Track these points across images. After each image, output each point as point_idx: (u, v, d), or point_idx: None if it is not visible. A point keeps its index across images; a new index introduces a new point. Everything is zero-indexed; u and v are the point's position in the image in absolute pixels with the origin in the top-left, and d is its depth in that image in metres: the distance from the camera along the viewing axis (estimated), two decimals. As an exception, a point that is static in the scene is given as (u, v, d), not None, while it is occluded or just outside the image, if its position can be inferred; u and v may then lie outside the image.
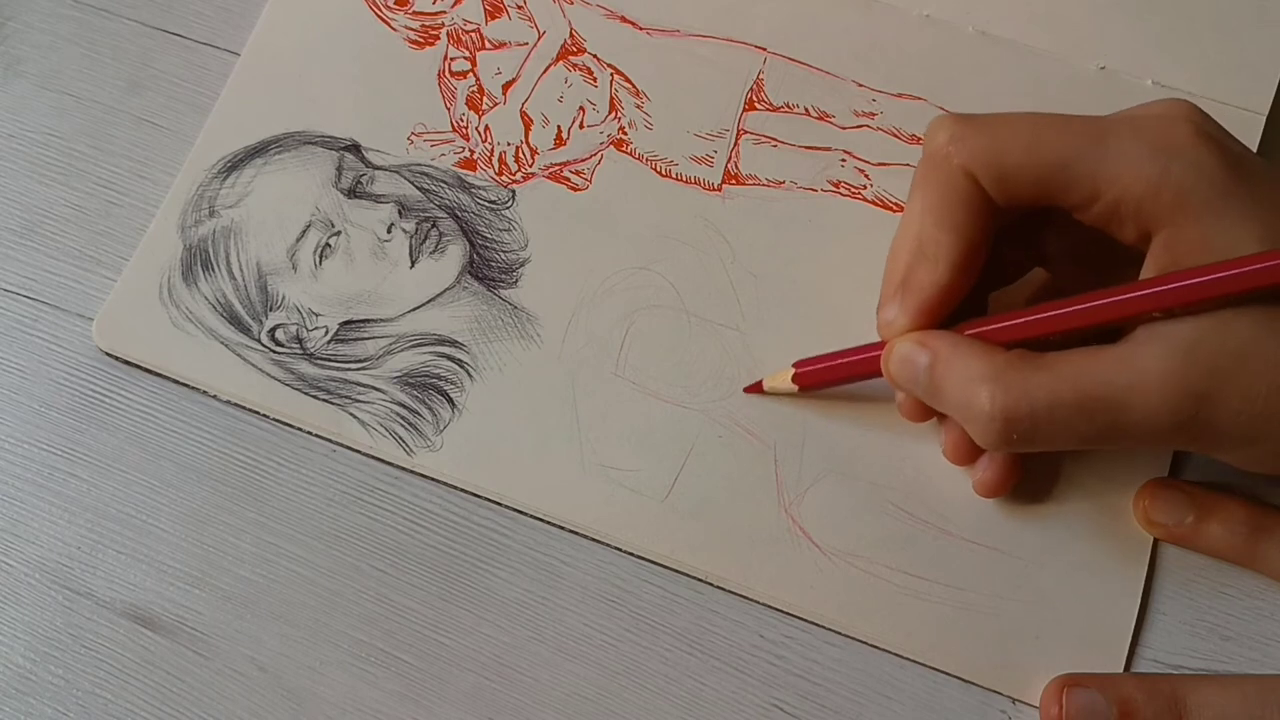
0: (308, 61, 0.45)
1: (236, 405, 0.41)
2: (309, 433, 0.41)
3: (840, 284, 0.42)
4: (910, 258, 0.36)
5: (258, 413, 0.41)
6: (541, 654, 0.39)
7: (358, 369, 0.42)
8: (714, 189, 0.44)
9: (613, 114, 0.45)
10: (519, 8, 0.46)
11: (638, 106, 0.45)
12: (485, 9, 0.46)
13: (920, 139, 0.43)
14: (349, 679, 0.39)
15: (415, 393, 0.41)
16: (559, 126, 0.45)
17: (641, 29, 0.46)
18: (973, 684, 0.38)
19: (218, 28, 0.46)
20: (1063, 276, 0.40)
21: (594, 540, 0.40)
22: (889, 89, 0.44)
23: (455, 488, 0.41)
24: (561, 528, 0.40)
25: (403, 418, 0.41)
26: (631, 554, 0.40)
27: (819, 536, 0.39)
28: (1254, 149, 0.42)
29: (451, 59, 0.46)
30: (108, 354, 0.42)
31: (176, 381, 0.42)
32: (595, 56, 0.45)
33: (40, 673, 0.39)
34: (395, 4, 0.46)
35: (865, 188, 0.43)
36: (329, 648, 0.39)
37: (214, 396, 0.42)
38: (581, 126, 0.45)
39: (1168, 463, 0.40)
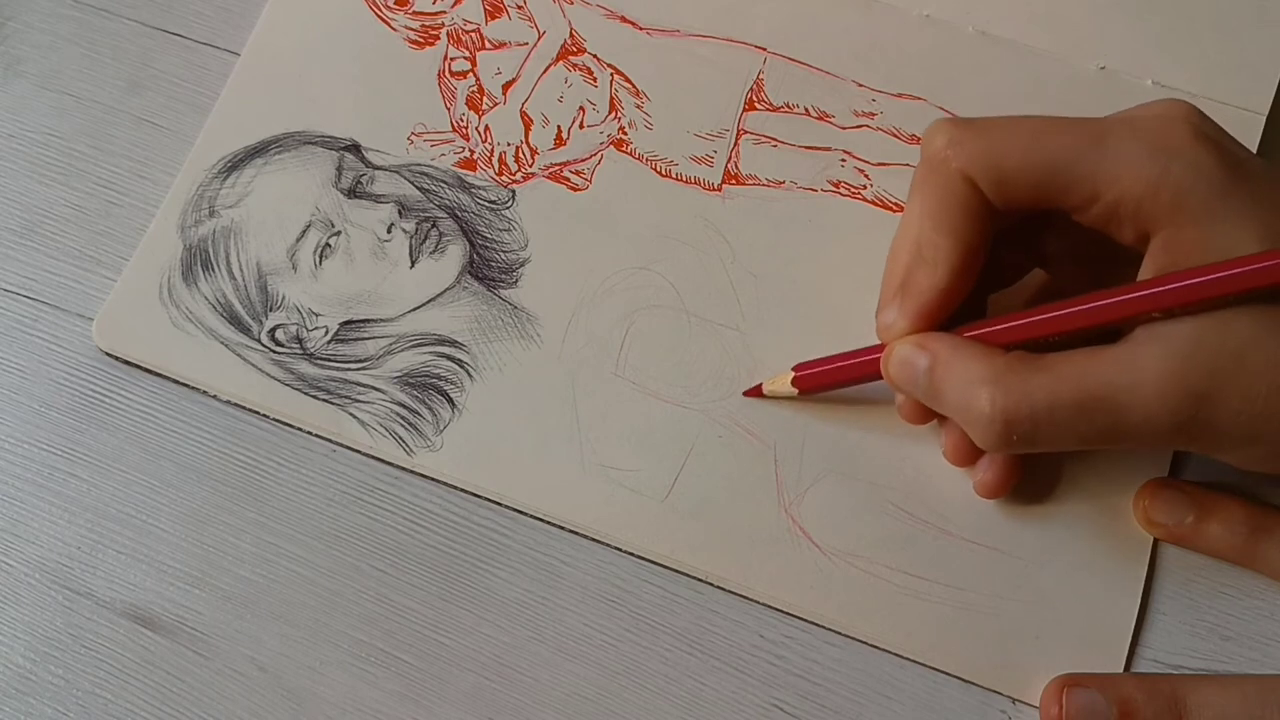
0: (308, 61, 0.45)
1: (236, 405, 0.41)
2: (309, 433, 0.41)
3: (840, 284, 0.42)
4: (909, 261, 0.36)
5: (258, 413, 0.41)
6: (541, 654, 0.39)
7: (358, 369, 0.42)
8: (714, 189, 0.44)
9: (613, 114, 0.45)
10: (519, 8, 0.46)
11: (638, 106, 0.45)
12: (485, 9, 0.46)
13: (920, 139, 0.43)
14: (349, 679, 0.39)
15: (415, 393, 0.41)
16: (559, 126, 0.45)
17: (641, 29, 0.46)
18: (973, 684, 0.38)
19: (218, 28, 0.46)
20: (1062, 278, 0.40)
21: (594, 540, 0.40)
22: (889, 89, 0.44)
23: (455, 488, 0.41)
24: (561, 528, 0.40)
25: (403, 418, 0.41)
26: (631, 554, 0.40)
27: (819, 536, 0.39)
28: (1254, 149, 0.43)
29: (451, 59, 0.46)
30: (108, 354, 0.42)
31: (176, 381, 0.42)
32: (595, 56, 0.45)
33: (40, 673, 0.39)
34: (395, 4, 0.46)
35: (865, 188, 0.43)
36: (329, 648, 0.39)
37: (214, 396, 0.42)
38: (581, 126, 0.45)
39: (1168, 463, 0.40)
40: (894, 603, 0.39)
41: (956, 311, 0.37)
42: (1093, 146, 0.35)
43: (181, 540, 0.40)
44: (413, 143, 0.44)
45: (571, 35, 0.46)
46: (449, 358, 0.42)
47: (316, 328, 0.42)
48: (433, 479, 0.41)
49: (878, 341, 0.38)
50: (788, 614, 0.39)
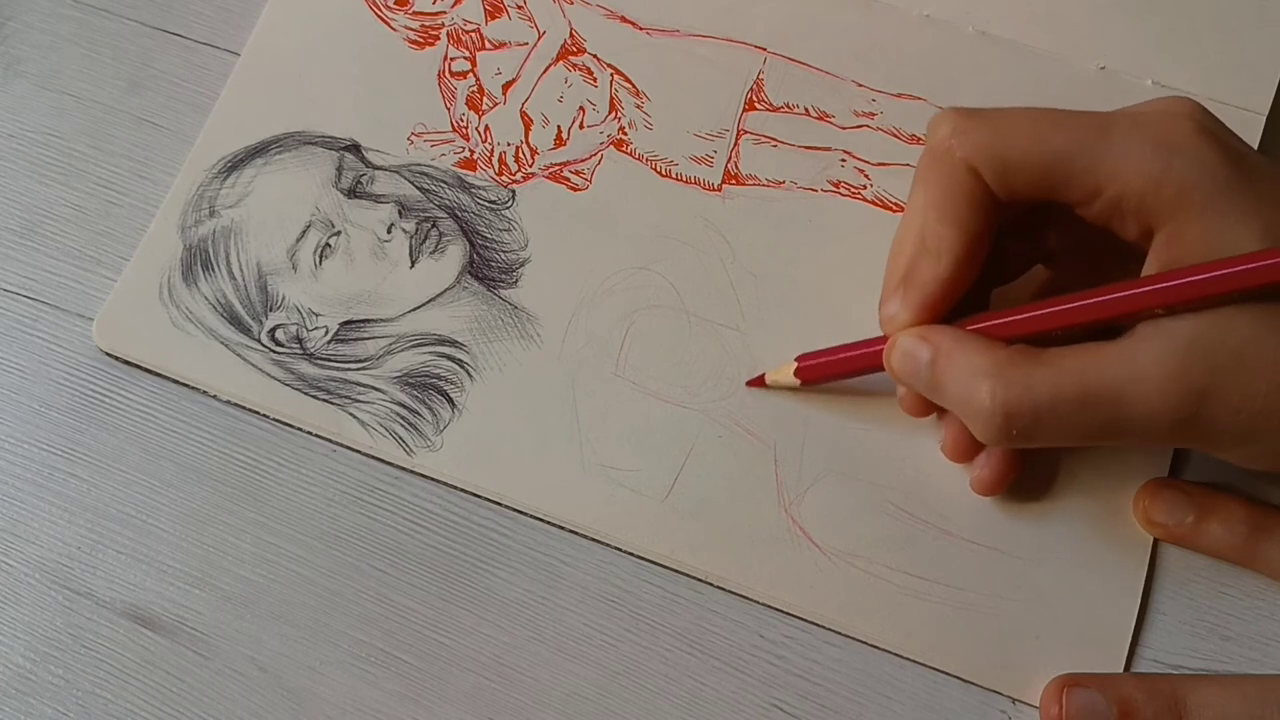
0: (308, 61, 0.45)
1: (236, 405, 0.41)
2: (309, 433, 0.41)
3: (840, 284, 0.42)
4: (913, 252, 0.36)
5: (258, 413, 0.41)
6: (541, 654, 0.39)
7: (358, 369, 0.42)
8: (714, 189, 0.44)
9: (613, 114, 0.45)
10: (519, 8, 0.46)
11: (638, 106, 0.45)
12: (485, 9, 0.46)
13: (920, 139, 0.43)
14: (349, 679, 0.39)
15: (415, 393, 0.41)
16: (559, 126, 0.45)
17: (641, 29, 0.46)
18: (973, 684, 0.38)
19: (218, 28, 0.46)
20: (1065, 273, 0.40)
21: (594, 540, 0.40)
22: (889, 89, 0.44)
23: (455, 488, 0.41)
24: (561, 528, 0.40)
25: (403, 418, 0.41)
26: (631, 554, 0.40)
27: (819, 536, 0.39)
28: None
29: (451, 59, 0.46)
30: (108, 354, 0.42)
31: (176, 381, 0.42)
32: (595, 56, 0.45)
33: (40, 673, 0.39)
34: (395, 4, 0.46)
35: (865, 188, 0.43)
36: (329, 648, 0.39)
37: (214, 396, 0.42)
38: (581, 126, 0.45)
39: (1168, 463, 0.40)
40: (894, 603, 0.39)
41: (960, 305, 0.37)
42: (1097, 140, 0.35)
43: (181, 540, 0.40)
44: (413, 143, 0.44)
45: (571, 35, 0.46)
46: (449, 358, 0.42)
47: (316, 328, 0.42)
48: (433, 479, 0.41)
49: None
50: (788, 614, 0.39)
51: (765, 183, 0.44)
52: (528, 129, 0.45)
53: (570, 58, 0.45)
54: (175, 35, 0.46)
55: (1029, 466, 0.39)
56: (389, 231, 0.43)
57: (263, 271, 0.43)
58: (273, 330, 0.42)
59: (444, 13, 0.46)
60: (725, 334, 0.42)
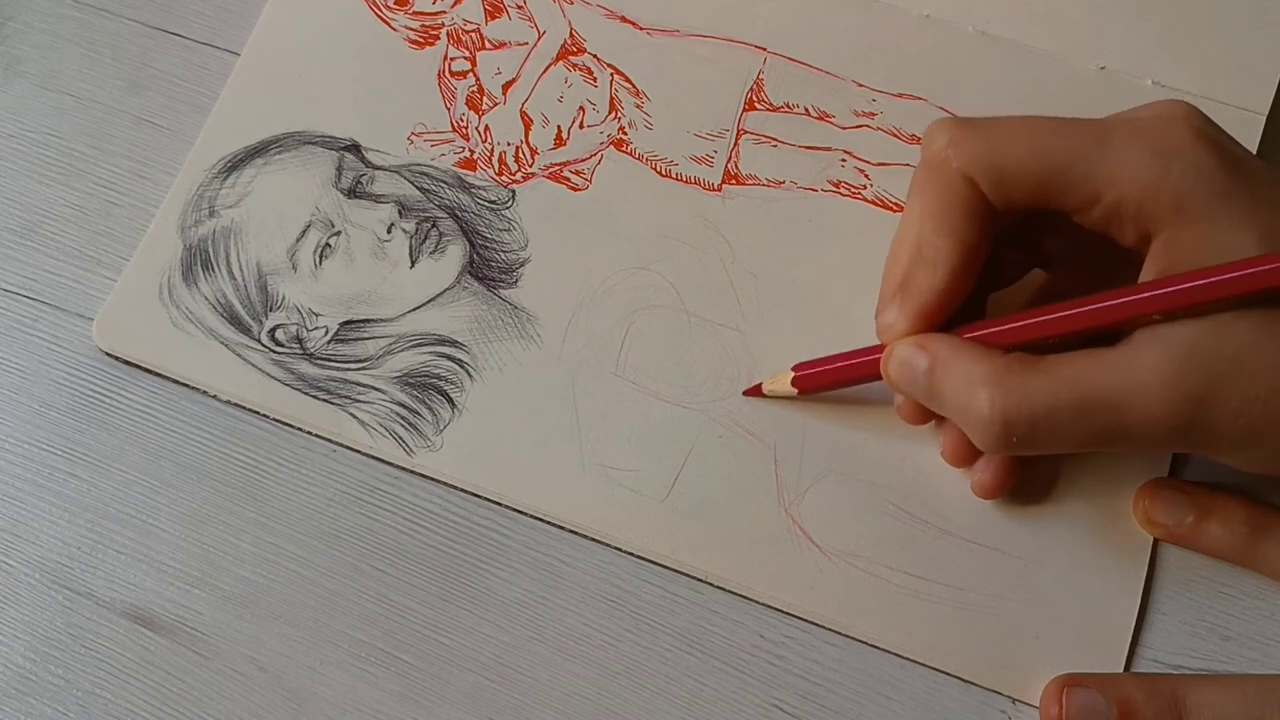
0: (308, 61, 0.45)
1: (236, 405, 0.41)
2: (309, 433, 0.41)
3: (840, 284, 0.42)
4: (909, 261, 0.36)
5: (258, 413, 0.41)
6: (541, 654, 0.39)
7: (358, 369, 0.42)
8: (714, 189, 0.44)
9: (613, 114, 0.45)
10: (519, 8, 0.46)
11: (638, 106, 0.45)
12: (485, 9, 0.46)
13: (920, 139, 0.43)
14: (349, 679, 0.39)
15: (415, 393, 0.41)
16: (559, 126, 0.45)
17: (641, 29, 0.46)
18: (973, 684, 0.38)
19: (218, 28, 0.46)
20: (1062, 278, 0.40)
21: (594, 540, 0.40)
22: (889, 89, 0.44)
23: (455, 488, 0.41)
24: (561, 528, 0.40)
25: (403, 418, 0.41)
26: (631, 554, 0.40)
27: (819, 536, 0.39)
28: (1254, 149, 0.42)
29: (451, 59, 0.46)
30: (108, 354, 0.42)
31: (176, 381, 0.42)
32: (595, 56, 0.45)
33: (40, 673, 0.39)
34: (395, 4, 0.46)
35: (865, 188, 0.43)
36: (329, 648, 0.39)
37: (214, 396, 0.42)
38: (581, 126, 0.45)
39: (1167, 463, 0.40)
40: (894, 603, 0.39)
41: (957, 311, 0.37)
42: (1093, 147, 0.35)
43: (181, 540, 0.40)
44: (413, 143, 0.44)
45: (571, 35, 0.46)
46: (449, 358, 0.42)
47: (316, 328, 0.42)
48: (433, 479, 0.41)
49: (877, 341, 0.38)
50: (788, 614, 0.39)
51: (765, 183, 0.44)
52: (528, 129, 0.45)
53: (570, 58, 0.45)
54: (175, 35, 0.46)
55: (1029, 467, 0.39)
56: (389, 231, 0.43)
57: (263, 271, 0.43)
58: (273, 330, 0.42)
59: (444, 13, 0.46)
60: (725, 334, 0.42)
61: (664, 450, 0.40)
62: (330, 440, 0.41)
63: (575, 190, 0.44)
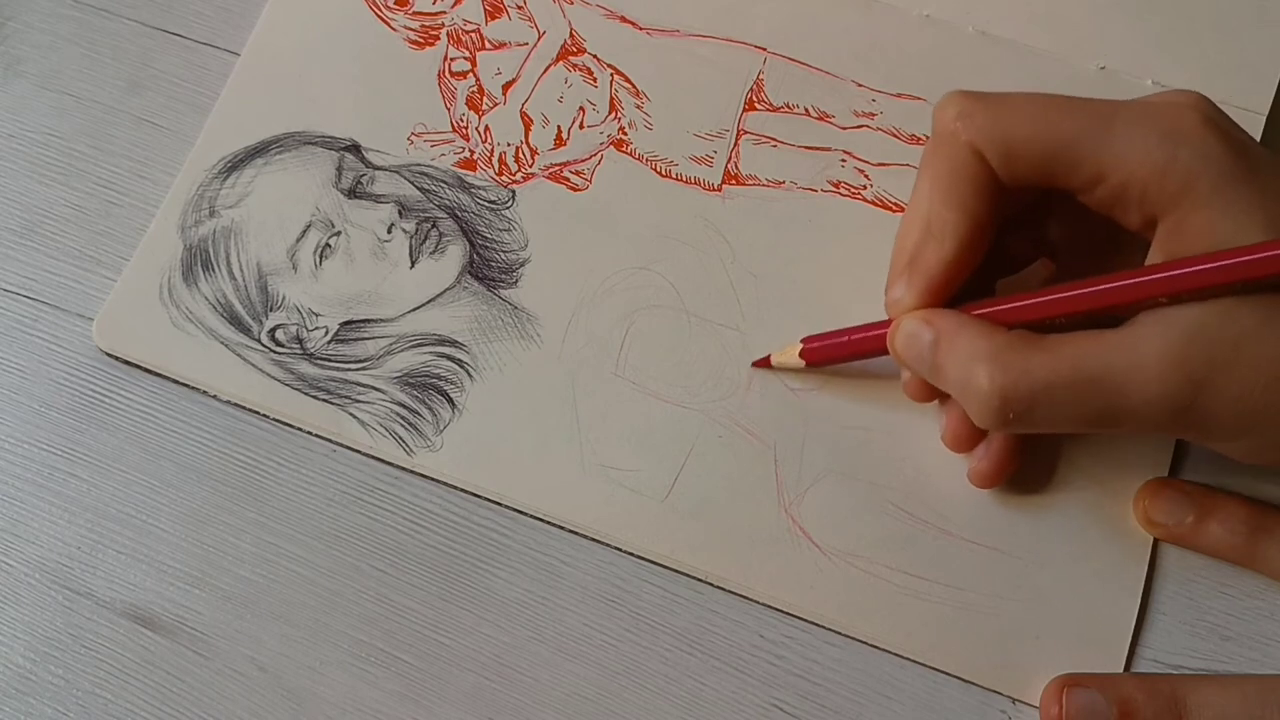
0: (308, 61, 0.45)
1: (236, 405, 0.41)
2: (309, 433, 0.41)
3: (840, 284, 0.42)
4: (918, 237, 0.36)
5: (258, 413, 0.41)
6: (541, 654, 0.39)
7: (358, 369, 0.42)
8: (714, 189, 0.44)
9: (613, 114, 0.45)
10: (519, 8, 0.46)
11: (638, 106, 0.45)
12: (485, 9, 0.46)
13: (920, 139, 0.43)
14: (349, 679, 0.39)
15: (415, 393, 0.41)
16: (559, 127, 0.45)
17: (641, 29, 0.46)
18: (973, 684, 0.38)
19: (218, 28, 0.46)
20: (1067, 265, 0.40)
21: (594, 540, 0.40)
22: (889, 89, 0.44)
23: (455, 488, 0.41)
24: (561, 528, 0.40)
25: (403, 418, 0.41)
26: (631, 554, 0.40)
27: (819, 536, 0.39)
28: (1254, 149, 0.42)
29: (451, 59, 0.46)
30: (108, 354, 0.42)
31: (176, 381, 0.42)
32: (595, 56, 0.45)
33: (40, 673, 0.39)
34: (395, 4, 0.46)
35: (865, 188, 0.43)
36: (329, 648, 0.39)
37: (214, 396, 0.42)
38: (581, 127, 0.45)
39: (1168, 463, 0.40)
40: (894, 603, 0.39)
41: (964, 294, 0.36)
42: (1102, 127, 0.35)
43: (181, 540, 0.40)
44: (413, 143, 0.44)
45: (571, 35, 0.46)
46: (449, 358, 0.42)
47: (316, 328, 0.42)
48: (433, 479, 0.41)
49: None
50: (788, 614, 0.39)
51: (765, 183, 0.44)
52: (528, 129, 0.45)
53: (570, 58, 0.45)
54: (175, 35, 0.46)
55: (1029, 467, 0.39)
56: (389, 231, 0.43)
57: (263, 271, 0.43)
58: (273, 330, 0.42)
59: (444, 13, 0.46)
60: (725, 334, 0.42)
61: (664, 450, 0.40)
62: (330, 440, 0.41)
63: (575, 190, 0.44)
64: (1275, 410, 0.33)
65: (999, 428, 0.36)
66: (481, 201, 0.44)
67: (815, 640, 0.39)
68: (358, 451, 0.41)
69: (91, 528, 0.40)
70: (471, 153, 0.44)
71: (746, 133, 0.44)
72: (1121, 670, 0.38)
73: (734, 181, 0.44)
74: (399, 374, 0.42)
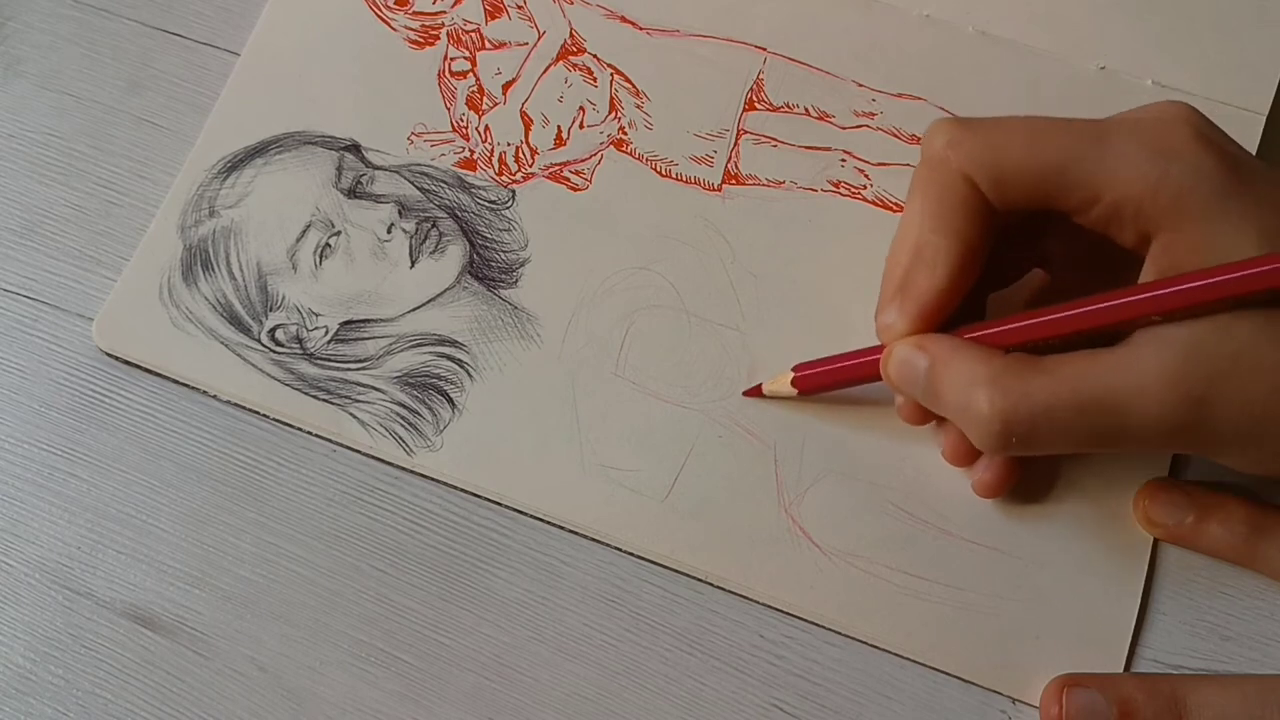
0: (308, 61, 0.45)
1: (236, 405, 0.41)
2: (309, 433, 0.41)
3: (840, 284, 0.42)
4: (909, 261, 0.36)
5: (258, 413, 0.41)
6: (541, 654, 0.39)
7: (358, 369, 0.42)
8: (714, 189, 0.44)
9: (613, 114, 0.45)
10: (519, 8, 0.46)
11: (638, 106, 0.45)
12: (485, 9, 0.46)
13: (920, 139, 0.43)
14: (349, 679, 0.39)
15: (415, 393, 0.41)
16: (559, 126, 0.45)
17: (641, 29, 0.46)
18: (973, 684, 0.38)
19: (218, 28, 0.46)
20: (1062, 279, 0.40)
21: (594, 540, 0.40)
22: (889, 89, 0.44)
23: (455, 488, 0.41)
24: (561, 528, 0.40)
25: (403, 418, 0.41)
26: (631, 554, 0.40)
27: (819, 536, 0.39)
28: (1254, 149, 0.42)
29: (451, 59, 0.46)
30: (108, 354, 0.42)
31: (176, 381, 0.42)
32: (595, 56, 0.45)
33: (40, 673, 0.39)
34: (395, 4, 0.46)
35: (865, 188, 0.43)
36: (329, 648, 0.39)
37: (214, 396, 0.42)
38: (581, 126, 0.45)
39: (1167, 463, 0.40)
40: (894, 603, 0.39)
41: (957, 311, 0.37)
42: (1093, 147, 0.35)
43: (181, 540, 0.40)
44: (413, 143, 0.44)
45: (571, 35, 0.46)
46: (449, 358, 0.42)
47: (316, 328, 0.42)
48: (433, 479, 0.41)
49: (877, 341, 0.38)
50: (788, 614, 0.39)
51: (765, 183, 0.44)
52: (528, 129, 0.45)
53: (570, 58, 0.45)
54: (175, 35, 0.46)
55: (1029, 467, 0.39)
56: (389, 231, 0.43)
57: (263, 271, 0.43)
58: (273, 330, 0.42)
59: (444, 13, 0.46)
60: (725, 334, 0.42)
61: (664, 450, 0.40)
62: (330, 440, 0.41)
63: (575, 190, 0.44)
64: (1276, 422, 0.33)
65: (1001, 452, 0.36)
66: (481, 201, 0.44)
67: (815, 640, 0.39)
68: (358, 451, 0.41)
69: (91, 528, 0.40)
70: (471, 153, 0.44)
71: (746, 133, 0.44)
72: (1121, 670, 0.38)
73: (734, 181, 0.44)
74: (399, 374, 0.42)
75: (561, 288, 0.42)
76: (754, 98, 0.45)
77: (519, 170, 0.44)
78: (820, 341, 0.40)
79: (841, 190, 0.43)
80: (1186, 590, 0.39)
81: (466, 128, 0.45)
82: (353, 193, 0.44)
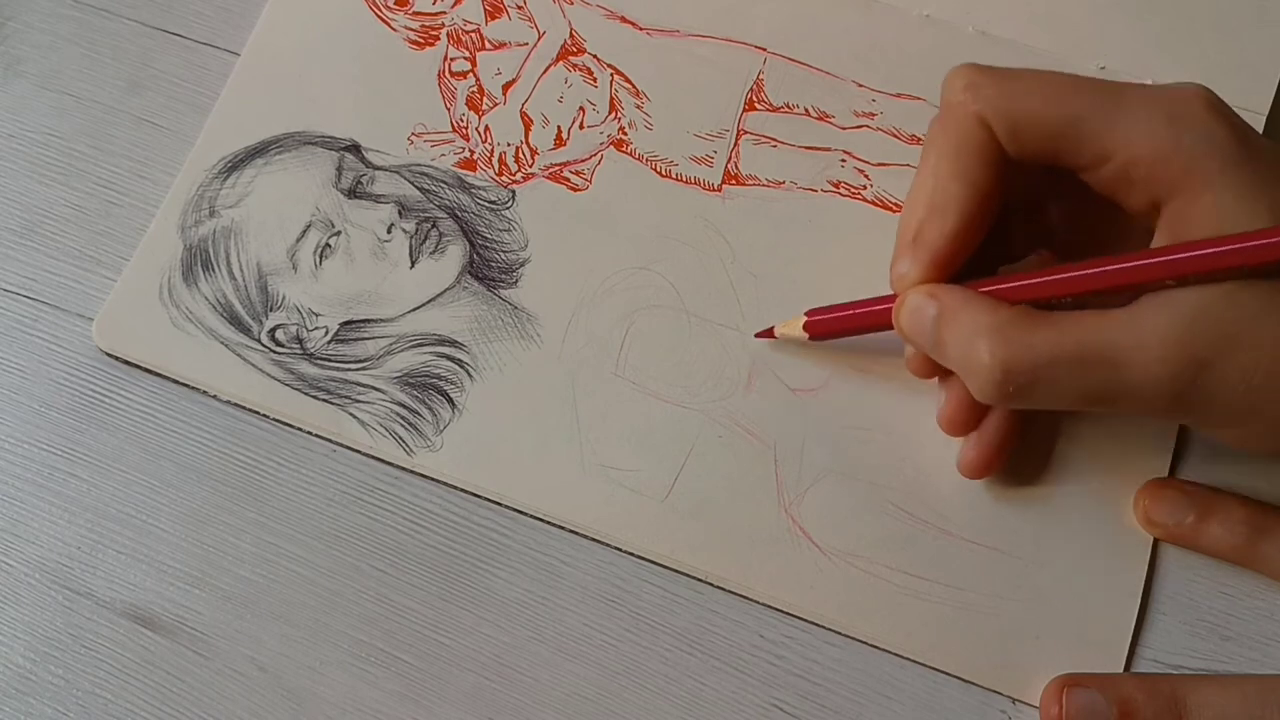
0: (308, 61, 0.45)
1: (236, 405, 0.41)
2: (309, 433, 0.41)
3: (840, 284, 0.42)
4: (923, 212, 0.36)
5: (258, 413, 0.41)
6: (541, 654, 0.39)
7: (358, 369, 0.42)
8: (714, 189, 0.44)
9: (613, 114, 0.45)
10: (519, 8, 0.46)
11: (638, 107, 0.45)
12: (485, 9, 0.46)
13: (920, 139, 0.43)
14: (349, 679, 0.39)
15: (415, 393, 0.41)
16: (559, 127, 0.45)
17: (641, 29, 0.46)
18: (973, 684, 0.38)
19: (218, 28, 0.46)
20: (1067, 257, 0.40)
21: (594, 540, 0.40)
22: (889, 89, 0.44)
23: (455, 488, 0.41)
24: (561, 528, 0.40)
25: (403, 418, 0.41)
26: (631, 554, 0.40)
27: (819, 536, 0.39)
28: (1254, 149, 0.42)
29: (451, 59, 0.46)
30: (108, 354, 0.42)
31: (176, 381, 0.42)
32: (595, 57, 0.45)
33: (40, 673, 0.39)
34: (395, 4, 0.46)
35: (865, 188, 0.43)
36: (329, 648, 0.39)
37: (214, 396, 0.42)
38: (581, 127, 0.45)
39: (1167, 463, 0.40)
40: (894, 603, 0.39)
41: (968, 276, 0.36)
42: (1110, 106, 0.35)
43: (181, 540, 0.40)
44: (413, 143, 0.44)
45: (571, 35, 0.46)
46: (449, 358, 0.42)
47: (316, 328, 0.42)
48: (433, 479, 0.41)
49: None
50: (788, 614, 0.39)
51: (765, 183, 0.44)
52: (528, 129, 0.45)
53: (570, 58, 0.45)
54: (175, 35, 0.46)
55: (1028, 467, 0.39)
56: (389, 231, 0.43)
57: (263, 271, 0.43)
58: (273, 330, 0.42)
59: (444, 13, 0.46)
60: (725, 334, 0.42)
61: (664, 450, 0.40)
62: (330, 440, 0.41)
63: (575, 190, 0.44)
64: (1275, 394, 0.33)
65: (1000, 402, 0.36)
66: (481, 201, 0.44)
67: (815, 640, 0.39)
68: (358, 451, 0.41)
69: (91, 528, 0.40)
70: (471, 153, 0.44)
71: (746, 133, 0.44)
72: (1121, 670, 0.38)
73: (734, 181, 0.44)
74: (399, 374, 0.42)
75: (561, 288, 0.42)
76: (754, 98, 0.45)
77: (519, 170, 0.44)
78: (820, 341, 0.41)
79: (841, 190, 0.43)
80: (1186, 590, 0.39)
81: (466, 128, 0.45)
82: (353, 193, 0.44)
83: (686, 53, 0.45)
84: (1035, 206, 0.38)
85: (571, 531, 0.40)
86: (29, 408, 0.42)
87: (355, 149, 0.44)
